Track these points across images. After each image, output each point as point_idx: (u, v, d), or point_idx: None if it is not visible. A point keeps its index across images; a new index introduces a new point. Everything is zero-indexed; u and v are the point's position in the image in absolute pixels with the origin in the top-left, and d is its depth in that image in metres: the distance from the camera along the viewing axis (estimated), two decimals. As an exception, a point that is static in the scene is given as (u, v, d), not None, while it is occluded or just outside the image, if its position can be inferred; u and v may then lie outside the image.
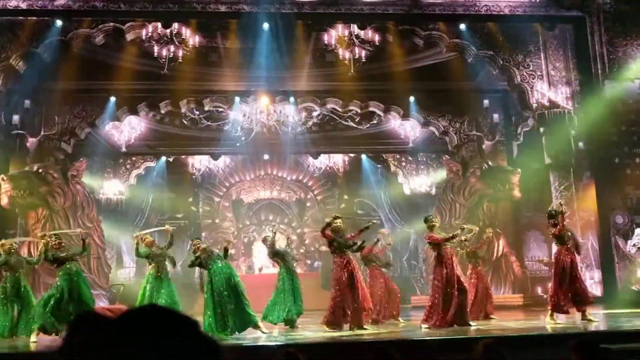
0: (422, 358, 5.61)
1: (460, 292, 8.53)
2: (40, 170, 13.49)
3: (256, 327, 8.12)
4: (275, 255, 9.80)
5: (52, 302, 8.19)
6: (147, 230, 10.61)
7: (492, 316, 10.04)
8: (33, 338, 8.19)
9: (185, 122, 16.44)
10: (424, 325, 8.47)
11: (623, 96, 12.88)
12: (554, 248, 13.09)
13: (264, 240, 10.35)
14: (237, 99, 15.12)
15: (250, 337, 7.88)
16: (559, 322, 8.46)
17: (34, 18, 12.22)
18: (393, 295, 10.08)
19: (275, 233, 10.20)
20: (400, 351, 3.60)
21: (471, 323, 8.51)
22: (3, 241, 9.35)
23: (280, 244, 10.79)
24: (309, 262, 19.24)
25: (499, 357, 3.19)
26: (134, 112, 15.02)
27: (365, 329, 8.24)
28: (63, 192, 13.73)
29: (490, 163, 14.87)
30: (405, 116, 15.66)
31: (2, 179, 13.16)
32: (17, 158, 14.17)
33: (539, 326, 8.56)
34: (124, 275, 17.40)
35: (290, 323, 9.16)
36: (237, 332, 8.00)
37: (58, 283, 8.43)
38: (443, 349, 6.42)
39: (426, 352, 6.00)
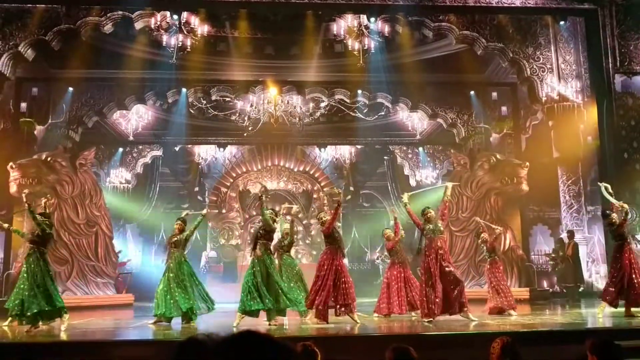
0: (431, 354, 5.59)
1: (448, 282, 8.04)
2: (49, 159, 13.50)
3: None
4: None
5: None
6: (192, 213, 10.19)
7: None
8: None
9: (192, 111, 16.43)
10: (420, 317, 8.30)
11: (633, 90, 12.79)
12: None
13: None
14: (245, 88, 15.09)
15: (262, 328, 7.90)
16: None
17: (43, 6, 12.18)
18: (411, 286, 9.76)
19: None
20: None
21: (463, 316, 8.14)
22: None
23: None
24: (314, 252, 19.27)
25: (515, 355, 3.19)
26: (142, 101, 15.03)
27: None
28: (71, 180, 13.77)
29: (498, 156, 14.81)
30: (414, 108, 15.60)
31: (11, 167, 13.18)
32: (25, 146, 14.20)
33: (549, 322, 8.56)
34: (129, 264, 17.48)
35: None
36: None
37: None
38: (450, 345, 6.43)
39: (434, 348, 6.01)
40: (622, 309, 8.67)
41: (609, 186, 9.48)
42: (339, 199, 9.44)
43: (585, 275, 13.67)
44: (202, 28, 12.63)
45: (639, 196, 11.90)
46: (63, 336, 7.41)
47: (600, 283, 12.85)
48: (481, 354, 4.12)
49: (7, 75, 12.28)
